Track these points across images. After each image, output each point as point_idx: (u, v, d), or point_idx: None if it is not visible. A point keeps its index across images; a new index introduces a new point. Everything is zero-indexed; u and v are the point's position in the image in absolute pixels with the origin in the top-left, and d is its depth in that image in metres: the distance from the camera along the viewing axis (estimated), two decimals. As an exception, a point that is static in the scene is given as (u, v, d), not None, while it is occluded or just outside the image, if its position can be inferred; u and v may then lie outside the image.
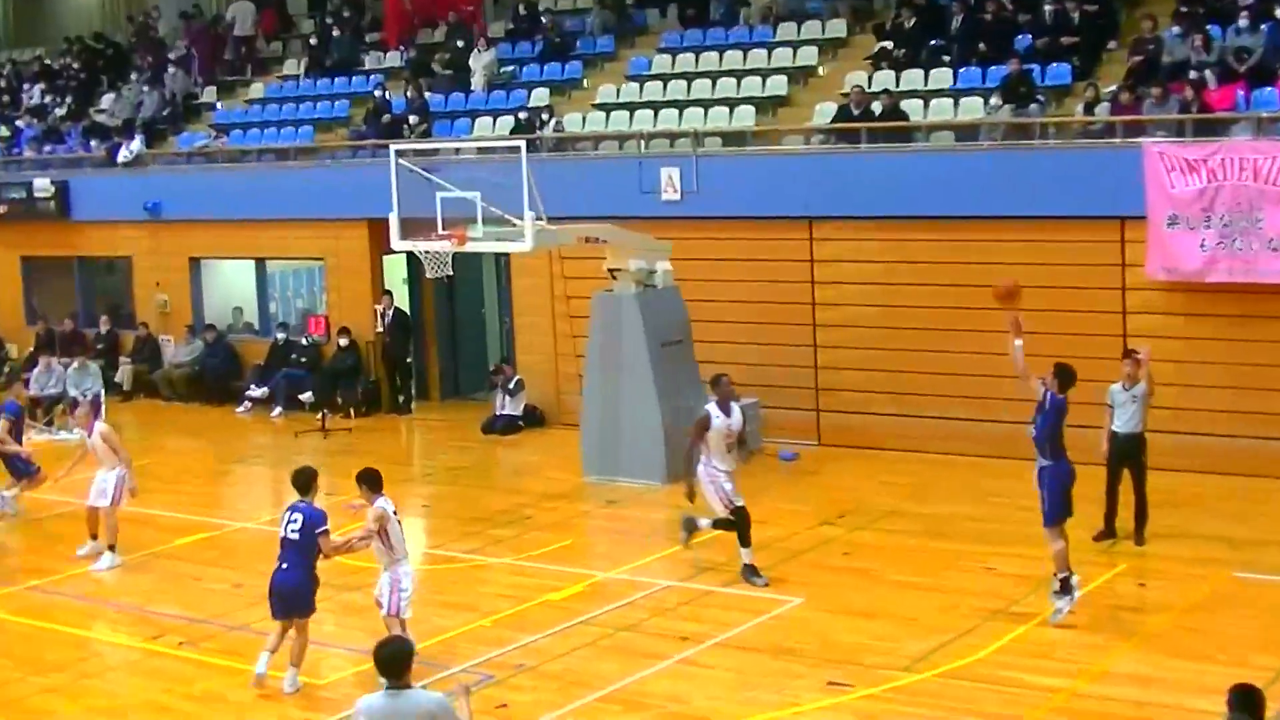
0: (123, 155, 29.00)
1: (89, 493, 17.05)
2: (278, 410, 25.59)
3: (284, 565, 12.82)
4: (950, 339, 20.18)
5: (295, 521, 12.70)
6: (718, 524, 15.36)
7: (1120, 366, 16.00)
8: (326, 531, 12.72)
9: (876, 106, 21.65)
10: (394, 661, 8.55)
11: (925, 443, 20.44)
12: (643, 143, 23.23)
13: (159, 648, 14.14)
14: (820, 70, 24.61)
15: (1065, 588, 13.50)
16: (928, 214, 20.22)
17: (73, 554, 17.05)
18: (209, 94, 31.80)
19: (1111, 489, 16.00)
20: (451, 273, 19.70)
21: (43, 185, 28.97)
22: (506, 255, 23.70)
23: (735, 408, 15.38)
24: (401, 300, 25.78)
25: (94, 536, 17.06)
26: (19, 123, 32.90)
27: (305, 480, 12.95)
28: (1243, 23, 20.40)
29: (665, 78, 25.33)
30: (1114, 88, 20.37)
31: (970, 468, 19.55)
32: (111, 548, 16.78)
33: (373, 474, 12.89)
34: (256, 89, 31.18)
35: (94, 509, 16.98)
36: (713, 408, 15.29)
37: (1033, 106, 20.88)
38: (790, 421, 21.36)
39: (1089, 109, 20.36)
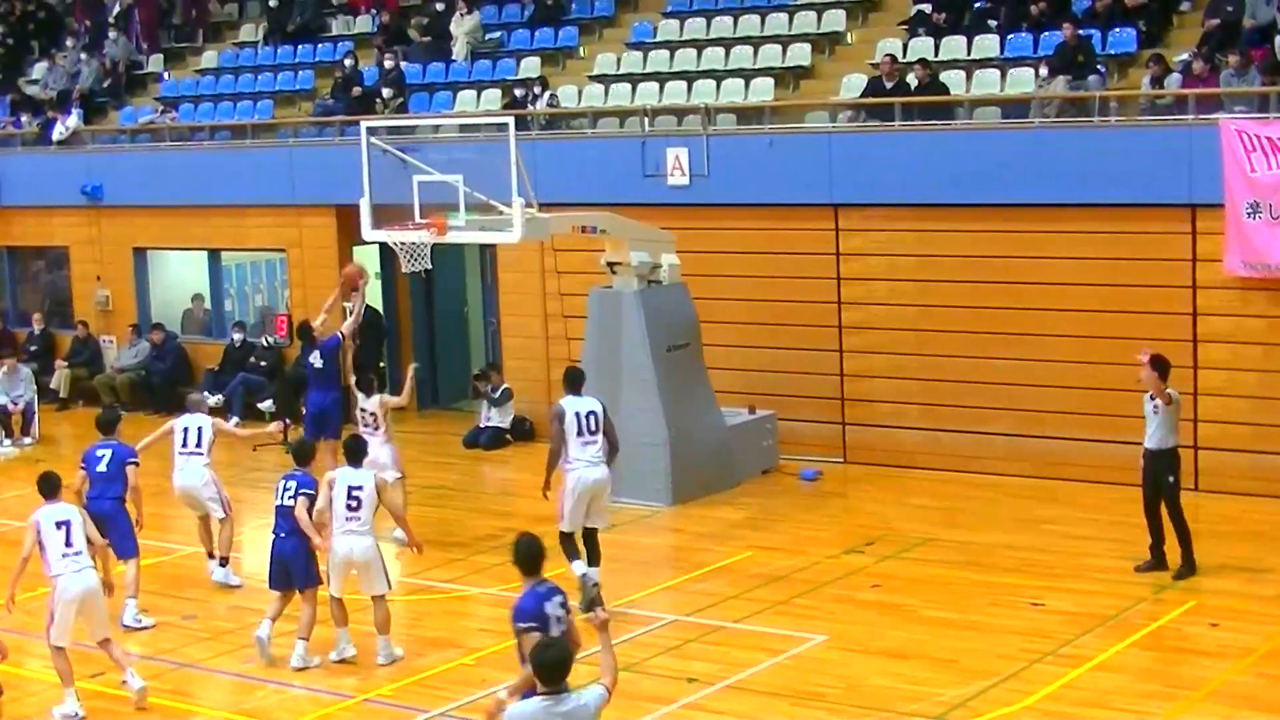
0: (58, 132, 28.95)
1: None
2: (234, 420, 25.56)
3: (281, 534, 14.44)
4: (994, 344, 20.15)
5: (289, 490, 14.38)
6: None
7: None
8: (313, 497, 14.34)
9: (912, 79, 21.63)
10: (559, 666, 8.86)
11: (964, 461, 20.40)
12: (646, 120, 23.20)
13: (99, 686, 14.11)
14: (848, 37, 24.60)
15: None
16: (969, 201, 20.19)
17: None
18: (155, 62, 31.79)
19: (1150, 513, 15.96)
20: (430, 266, 19.60)
21: (-34, 166, 29.06)
22: (492, 247, 23.72)
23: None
24: (374, 297, 25.69)
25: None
26: (-62, 95, 32.97)
27: (307, 454, 14.97)
28: (1340, -20, 20.39)
29: (672, 46, 25.32)
30: (1186, 56, 20.34)
31: (1015, 490, 19.51)
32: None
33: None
34: (209, 57, 31.16)
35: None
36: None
37: (1091, 79, 20.83)
38: (812, 436, 21.35)
39: (1157, 81, 20.32)
